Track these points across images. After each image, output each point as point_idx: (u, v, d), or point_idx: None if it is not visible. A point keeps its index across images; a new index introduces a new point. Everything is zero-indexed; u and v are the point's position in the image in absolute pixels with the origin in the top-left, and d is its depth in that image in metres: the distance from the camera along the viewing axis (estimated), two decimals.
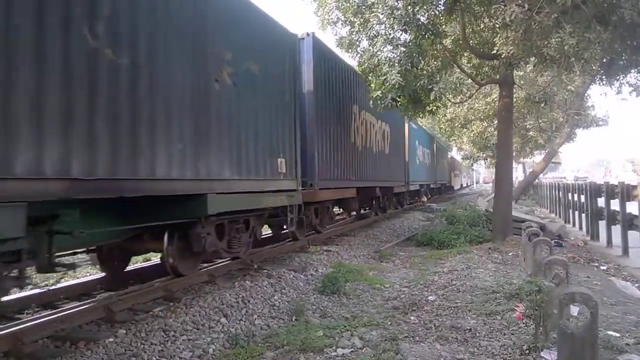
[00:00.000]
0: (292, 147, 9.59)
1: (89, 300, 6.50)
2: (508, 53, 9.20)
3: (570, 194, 19.66)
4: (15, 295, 6.51)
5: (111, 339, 5.07)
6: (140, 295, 6.54)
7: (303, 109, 10.68)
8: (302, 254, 10.56)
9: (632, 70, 12.08)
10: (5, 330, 4.96)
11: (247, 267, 8.71)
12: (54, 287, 7.15)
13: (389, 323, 6.16)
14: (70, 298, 6.76)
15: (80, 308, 5.87)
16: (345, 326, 6.01)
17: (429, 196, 34.54)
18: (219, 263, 8.68)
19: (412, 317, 6.40)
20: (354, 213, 18.09)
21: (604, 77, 12.53)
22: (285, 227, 10.56)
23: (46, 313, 5.89)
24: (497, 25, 9.73)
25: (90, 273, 8.90)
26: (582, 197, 16.78)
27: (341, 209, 17.42)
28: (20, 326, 5.13)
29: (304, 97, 10.81)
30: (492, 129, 25.20)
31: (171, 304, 6.46)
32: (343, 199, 14.41)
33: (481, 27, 12.07)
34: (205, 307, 6.31)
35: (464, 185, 73.44)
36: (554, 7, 7.71)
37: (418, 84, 11.30)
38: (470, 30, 12.35)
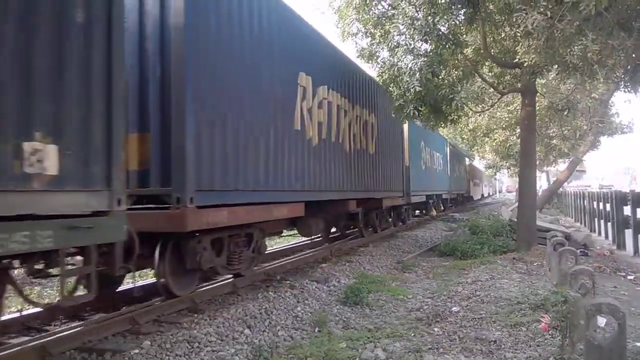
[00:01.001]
0: (93, 121, 4.26)
1: (114, 312, 6.57)
2: (530, 61, 9.15)
3: (595, 203, 19.38)
4: (42, 307, 6.64)
5: (136, 350, 5.12)
6: (165, 307, 6.60)
7: (167, 53, 6.29)
8: (324, 265, 10.57)
9: None
10: (34, 342, 5.05)
11: (269, 278, 8.74)
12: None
13: (412, 334, 6.13)
14: (95, 309, 6.84)
15: (107, 320, 5.94)
16: (369, 337, 5.99)
17: (442, 209, 30.53)
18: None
19: (435, 329, 6.36)
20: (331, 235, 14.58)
21: (628, 83, 12.37)
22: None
23: (73, 325, 5.98)
24: (519, 34, 9.68)
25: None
26: (608, 206, 16.53)
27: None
28: (48, 338, 5.21)
29: (166, 31, 6.33)
30: (515, 138, 24.97)
31: (195, 315, 6.51)
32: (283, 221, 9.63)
33: (502, 35, 12.01)
34: (229, 318, 6.35)
35: (485, 195, 68.22)
36: (576, 14, 7.65)
37: (439, 94, 11.30)
38: (491, 39, 12.31)
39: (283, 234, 12.74)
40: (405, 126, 18.11)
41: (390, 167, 15.88)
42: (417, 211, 25.38)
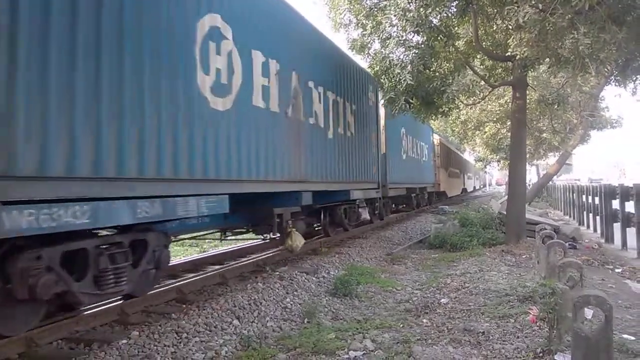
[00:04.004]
0: None
1: (102, 302, 6.53)
2: (522, 54, 9.15)
3: (584, 196, 19.49)
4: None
5: (125, 341, 5.11)
6: (153, 297, 6.57)
7: None
8: (314, 256, 10.56)
9: None
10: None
11: (259, 269, 8.73)
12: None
13: (401, 326, 6.15)
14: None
15: (94, 310, 5.90)
16: (357, 328, 6.01)
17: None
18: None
19: (424, 320, 6.38)
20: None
21: (618, 77, 12.42)
22: None
23: (60, 315, 5.93)
24: (511, 27, 9.68)
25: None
26: (597, 199, 16.63)
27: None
28: (35, 328, 5.17)
29: None
30: (505, 131, 25.06)
31: (184, 305, 6.49)
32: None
33: (494, 28, 12.00)
34: (218, 309, 6.33)
35: (470, 189, 61.82)
36: (568, 8, 7.66)
37: (431, 86, 11.29)
38: (483, 32, 12.29)
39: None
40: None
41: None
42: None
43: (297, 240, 9.40)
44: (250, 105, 7.32)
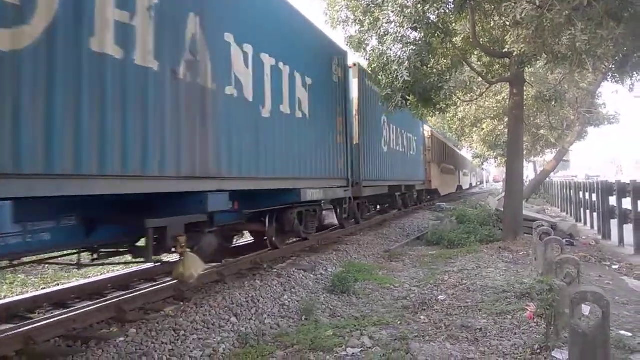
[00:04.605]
0: None
1: (100, 300, 6.53)
2: (519, 51, 9.13)
3: (581, 193, 19.53)
4: (27, 294, 6.58)
5: (122, 338, 5.10)
6: (151, 295, 6.56)
7: None
8: (312, 253, 10.56)
9: None
10: (18, 330, 5.01)
11: (256, 266, 8.72)
12: (65, 286, 7.18)
13: (399, 322, 6.15)
14: (81, 297, 6.79)
15: (92, 307, 5.90)
16: (355, 325, 6.01)
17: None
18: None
19: (422, 317, 6.38)
20: None
21: (616, 74, 12.41)
22: None
23: (58, 312, 5.93)
24: (508, 23, 9.68)
25: (100, 273, 8.94)
26: (594, 196, 16.66)
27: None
28: (32, 325, 5.17)
29: None
30: (503, 128, 25.06)
31: (181, 303, 6.49)
32: None
33: (491, 25, 11.99)
34: (216, 306, 6.33)
35: (473, 185, 62.01)
36: (565, 4, 7.65)
37: (428, 82, 11.27)
38: (481, 28, 12.27)
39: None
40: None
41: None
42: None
43: (193, 267, 6.24)
44: (83, 49, 4.52)
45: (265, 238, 9.73)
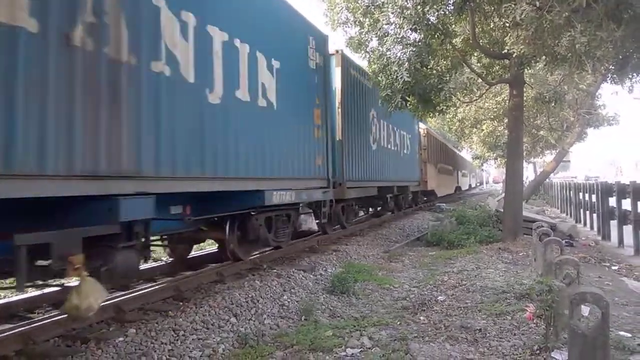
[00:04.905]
0: None
1: None
2: (519, 52, 9.15)
3: (581, 194, 19.53)
4: (26, 294, 6.58)
5: (121, 338, 5.10)
6: (150, 295, 6.56)
7: None
8: (311, 254, 10.56)
9: None
10: (17, 330, 5.00)
11: (256, 266, 8.72)
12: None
13: (398, 323, 6.16)
14: None
15: None
16: (355, 326, 6.01)
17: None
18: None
19: (421, 317, 6.39)
20: None
21: (615, 76, 12.42)
22: None
23: (57, 312, 5.92)
24: (508, 24, 9.68)
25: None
26: (593, 197, 16.66)
27: None
28: (32, 325, 5.17)
29: None
30: (502, 129, 25.07)
31: (181, 303, 6.48)
32: None
33: (491, 26, 12.01)
34: (215, 306, 6.33)
35: (472, 185, 60.26)
36: (565, 5, 7.66)
37: (428, 84, 11.29)
38: (480, 29, 12.30)
39: None
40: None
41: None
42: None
43: (92, 295, 4.60)
44: None
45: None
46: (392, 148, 17.79)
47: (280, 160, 8.49)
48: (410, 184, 21.05)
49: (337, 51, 12.29)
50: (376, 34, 11.57)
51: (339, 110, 12.11)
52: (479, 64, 14.13)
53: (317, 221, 11.00)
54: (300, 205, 10.02)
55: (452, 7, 10.75)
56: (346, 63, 12.73)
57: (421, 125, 24.03)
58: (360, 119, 13.81)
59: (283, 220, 9.46)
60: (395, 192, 18.40)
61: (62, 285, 5.71)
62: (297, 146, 9.27)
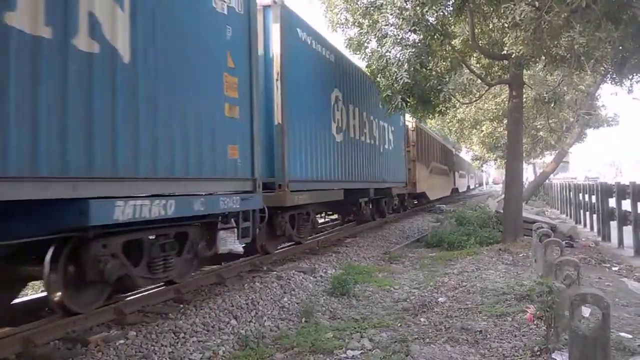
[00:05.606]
0: None
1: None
2: (518, 53, 9.16)
3: (581, 195, 19.52)
4: (27, 297, 6.57)
5: (122, 341, 5.10)
6: (151, 297, 6.55)
7: None
8: (311, 255, 10.55)
9: None
10: (18, 332, 4.99)
11: (256, 268, 8.71)
12: None
13: (398, 324, 6.15)
14: None
15: (92, 310, 5.88)
16: (355, 328, 6.00)
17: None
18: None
19: (422, 319, 6.38)
20: None
21: (614, 76, 12.43)
22: None
23: (57, 315, 5.91)
24: (507, 25, 9.68)
25: None
26: (593, 198, 16.64)
27: None
28: (32, 328, 5.15)
29: None
30: (502, 130, 25.07)
31: (181, 305, 6.48)
32: None
33: (490, 27, 12.01)
34: (215, 308, 6.32)
35: (471, 187, 57.75)
36: (564, 6, 7.66)
37: (427, 85, 11.29)
38: (480, 30, 12.30)
39: None
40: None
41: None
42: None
43: None
44: None
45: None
46: (368, 141, 14.80)
47: (144, 149, 5.32)
48: (394, 186, 18.19)
49: (275, 1, 9.25)
50: (375, 35, 11.57)
51: (277, 84, 9.18)
52: (478, 65, 14.13)
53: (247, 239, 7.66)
54: (220, 217, 7.12)
55: (451, 8, 10.77)
56: (290, 20, 9.67)
57: (408, 118, 20.42)
58: (315, 99, 10.91)
59: (169, 246, 6.38)
60: (371, 195, 15.42)
61: None
62: (185, 127, 6.04)
